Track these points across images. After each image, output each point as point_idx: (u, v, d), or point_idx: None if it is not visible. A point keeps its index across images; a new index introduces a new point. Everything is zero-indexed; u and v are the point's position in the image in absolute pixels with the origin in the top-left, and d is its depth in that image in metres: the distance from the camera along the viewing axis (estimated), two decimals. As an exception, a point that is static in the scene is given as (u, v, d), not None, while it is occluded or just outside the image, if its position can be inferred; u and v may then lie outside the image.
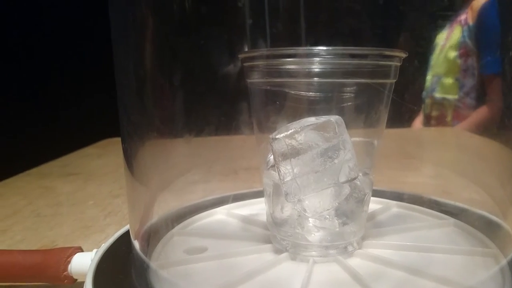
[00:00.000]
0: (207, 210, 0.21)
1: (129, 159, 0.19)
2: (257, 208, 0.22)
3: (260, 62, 0.15)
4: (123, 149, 0.19)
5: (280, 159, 0.15)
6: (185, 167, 0.25)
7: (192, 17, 0.21)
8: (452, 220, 0.19)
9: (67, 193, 0.36)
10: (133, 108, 0.20)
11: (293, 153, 0.14)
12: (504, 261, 0.15)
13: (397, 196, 0.22)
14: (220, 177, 0.27)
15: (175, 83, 0.21)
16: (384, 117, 0.16)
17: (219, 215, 0.21)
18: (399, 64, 0.16)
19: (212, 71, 0.24)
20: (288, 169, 0.15)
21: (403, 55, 0.15)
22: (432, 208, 0.20)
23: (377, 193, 0.22)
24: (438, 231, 0.18)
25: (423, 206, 0.21)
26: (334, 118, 0.14)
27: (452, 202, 0.20)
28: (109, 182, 0.39)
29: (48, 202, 0.33)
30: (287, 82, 0.15)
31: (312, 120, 0.14)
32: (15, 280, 0.18)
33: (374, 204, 0.22)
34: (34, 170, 0.47)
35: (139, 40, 0.19)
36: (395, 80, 0.16)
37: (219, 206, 0.22)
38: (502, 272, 0.14)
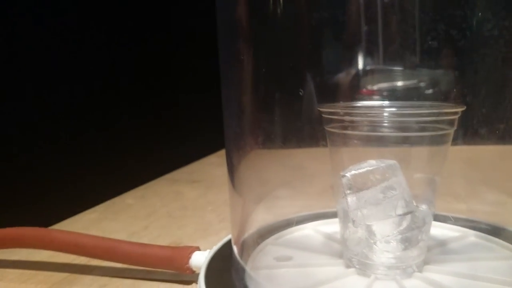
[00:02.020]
0: (298, 225, 0.26)
1: (231, 171, 0.24)
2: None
3: (336, 117, 0.19)
4: (227, 161, 0.24)
5: (348, 192, 0.18)
6: (285, 180, 0.29)
7: (301, 32, 0.24)
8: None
9: (192, 198, 0.44)
10: (234, 120, 0.24)
11: (358, 188, 0.18)
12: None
13: (477, 226, 0.23)
14: (317, 190, 0.31)
15: (278, 95, 0.25)
16: (446, 156, 0.19)
17: (307, 230, 0.25)
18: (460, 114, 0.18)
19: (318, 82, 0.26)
20: (354, 201, 0.18)
21: (463, 108, 0.18)
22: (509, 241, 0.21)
23: (460, 221, 0.24)
24: (507, 263, 0.20)
25: (500, 238, 0.22)
26: (392, 162, 0.17)
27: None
28: (225, 191, 0.46)
29: (178, 205, 0.41)
30: (358, 134, 0.18)
31: (374, 163, 0.18)
32: (152, 266, 0.24)
33: (453, 232, 0.23)
34: (168, 176, 0.56)
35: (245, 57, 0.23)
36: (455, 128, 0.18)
37: (309, 222, 0.26)
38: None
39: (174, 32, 0.72)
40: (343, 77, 0.24)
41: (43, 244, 0.26)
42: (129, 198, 0.45)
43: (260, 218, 0.25)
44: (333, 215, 0.27)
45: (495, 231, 0.23)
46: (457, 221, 0.24)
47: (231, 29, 0.22)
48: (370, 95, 0.24)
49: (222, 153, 0.75)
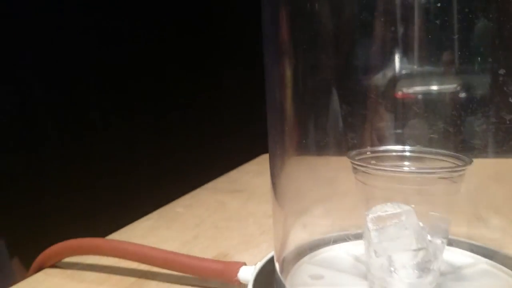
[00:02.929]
0: (332, 245, 0.30)
1: (274, 183, 0.28)
2: (367, 249, 0.29)
3: (362, 168, 0.22)
4: (271, 175, 0.28)
5: (371, 228, 0.22)
6: (326, 193, 0.32)
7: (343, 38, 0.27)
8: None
9: (234, 209, 0.48)
10: (276, 129, 0.28)
11: (379, 225, 0.22)
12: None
13: (488, 254, 0.26)
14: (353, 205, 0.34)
15: (321, 103, 0.28)
16: (456, 199, 0.22)
17: (338, 251, 0.29)
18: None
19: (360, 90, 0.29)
20: (376, 235, 0.22)
21: (471, 164, 0.21)
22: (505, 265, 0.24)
23: (472, 248, 0.27)
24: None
25: (500, 263, 0.25)
26: (408, 208, 0.21)
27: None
28: (265, 202, 0.50)
29: (222, 216, 0.46)
30: (382, 184, 0.22)
31: (394, 207, 0.21)
32: (205, 276, 0.29)
33: (466, 258, 0.27)
34: (210, 185, 0.61)
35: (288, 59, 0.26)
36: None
37: (342, 242, 0.30)
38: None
39: (216, 45, 0.76)
40: (379, 79, 0.27)
41: (117, 253, 0.31)
42: (178, 207, 0.50)
43: (298, 236, 0.29)
44: (360, 236, 0.30)
45: (504, 259, 0.26)
46: (471, 248, 0.27)
47: (275, 42, 0.26)
48: (404, 99, 0.27)
49: (258, 160, 0.80)
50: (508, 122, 0.24)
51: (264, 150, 0.79)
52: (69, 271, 0.33)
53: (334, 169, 0.31)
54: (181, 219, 0.46)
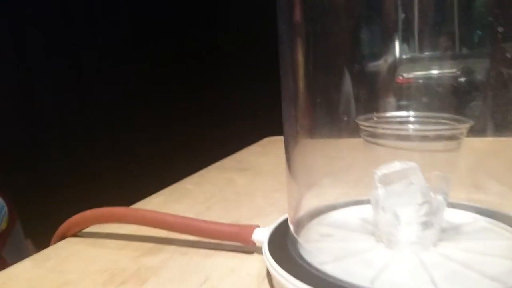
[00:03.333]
0: (340, 209, 0.31)
1: (288, 158, 0.30)
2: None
3: (370, 129, 0.24)
4: (285, 148, 0.30)
5: (379, 185, 0.24)
6: (335, 168, 0.34)
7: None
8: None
9: (243, 185, 0.50)
10: (290, 110, 0.29)
11: (386, 183, 0.23)
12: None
13: (487, 213, 0.28)
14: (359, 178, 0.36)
15: (333, 85, 0.30)
16: (457, 159, 0.24)
17: (345, 214, 0.31)
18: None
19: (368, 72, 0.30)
20: (383, 192, 0.24)
21: (471, 124, 0.23)
22: (506, 222, 0.26)
23: (472, 208, 0.29)
24: (505, 242, 0.25)
25: (505, 222, 0.27)
26: (413, 164, 0.23)
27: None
28: (271, 179, 0.52)
29: (232, 191, 0.47)
30: (388, 142, 0.24)
31: (400, 164, 0.23)
32: (222, 239, 0.31)
33: (466, 218, 0.28)
34: (217, 165, 0.63)
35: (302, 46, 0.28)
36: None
37: (349, 206, 0.32)
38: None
39: (227, 25, 0.77)
40: (381, 65, 0.28)
41: (135, 220, 0.33)
42: (188, 184, 0.52)
43: (309, 202, 0.31)
44: (366, 202, 0.32)
45: (502, 217, 0.28)
46: (470, 209, 0.29)
47: (289, 27, 0.28)
48: (406, 83, 0.29)
49: (262, 142, 0.81)
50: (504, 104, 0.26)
51: (267, 134, 0.81)
52: (90, 239, 0.35)
53: (345, 148, 0.33)
54: (192, 194, 0.47)
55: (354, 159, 0.35)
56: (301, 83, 0.29)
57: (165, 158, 0.58)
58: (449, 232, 0.26)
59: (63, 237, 0.36)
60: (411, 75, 0.29)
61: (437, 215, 0.24)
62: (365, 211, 0.31)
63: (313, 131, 0.32)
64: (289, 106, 0.30)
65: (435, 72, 0.29)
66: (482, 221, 0.28)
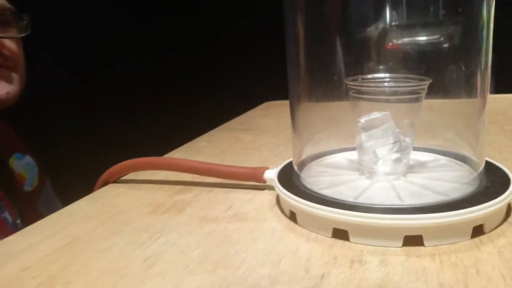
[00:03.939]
0: (333, 154, 0.39)
1: (293, 116, 0.37)
2: (359, 155, 0.38)
3: (354, 87, 0.32)
4: (290, 107, 0.37)
5: (361, 131, 0.31)
6: (330, 123, 0.41)
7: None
8: (467, 167, 0.33)
9: (249, 141, 0.58)
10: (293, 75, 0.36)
11: (367, 129, 0.31)
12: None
13: (447, 153, 0.36)
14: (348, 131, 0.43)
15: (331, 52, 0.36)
16: (420, 109, 0.31)
17: (339, 158, 0.39)
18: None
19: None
20: (365, 136, 0.31)
21: (430, 81, 0.30)
22: (458, 159, 0.34)
23: (433, 150, 0.37)
24: (455, 173, 0.33)
25: (457, 159, 0.35)
26: (386, 113, 0.30)
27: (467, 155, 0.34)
28: (273, 136, 0.60)
29: (241, 146, 0.55)
30: (368, 97, 0.31)
31: (377, 114, 0.31)
32: (238, 179, 0.39)
33: (429, 157, 0.36)
34: (224, 126, 0.70)
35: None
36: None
37: (340, 152, 0.39)
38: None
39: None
40: (371, 33, 0.35)
41: (168, 167, 0.41)
42: (201, 142, 0.59)
43: (309, 150, 0.39)
44: (353, 149, 0.40)
45: (455, 155, 0.35)
46: (434, 151, 0.37)
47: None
48: (395, 49, 0.36)
49: (262, 106, 0.88)
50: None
51: (267, 99, 0.89)
52: (129, 184, 0.43)
53: (338, 109, 0.40)
54: (206, 150, 0.55)
55: (345, 117, 0.42)
56: (302, 53, 0.36)
57: (183, 120, 0.65)
58: (415, 167, 0.34)
59: (105, 183, 0.44)
60: (399, 42, 0.36)
61: (406, 152, 0.32)
62: (352, 155, 0.39)
63: (312, 93, 0.39)
64: (293, 71, 0.37)
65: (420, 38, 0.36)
66: (442, 159, 0.36)
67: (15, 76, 0.54)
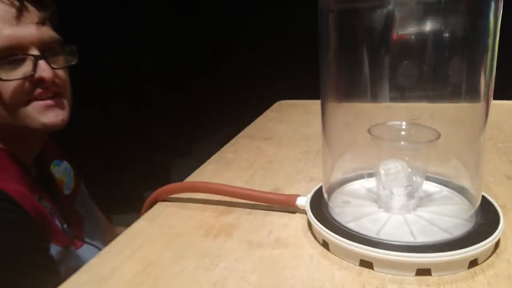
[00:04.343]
0: (353, 181, 0.46)
1: (324, 156, 0.44)
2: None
3: (377, 135, 0.38)
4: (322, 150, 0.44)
5: (382, 173, 0.39)
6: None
7: None
8: (466, 201, 0.40)
9: (271, 153, 0.65)
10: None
11: (386, 173, 0.38)
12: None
13: (449, 184, 0.43)
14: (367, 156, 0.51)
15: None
16: (431, 153, 0.39)
17: (358, 186, 0.46)
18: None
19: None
20: (384, 177, 0.39)
21: (439, 137, 0.37)
22: (458, 191, 0.41)
23: (437, 181, 0.44)
24: (456, 207, 0.40)
25: (458, 191, 0.42)
26: (402, 163, 0.37)
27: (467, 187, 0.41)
28: (292, 147, 0.67)
29: (265, 160, 0.62)
30: (388, 142, 0.38)
31: (395, 163, 0.38)
32: (274, 204, 0.46)
33: (435, 188, 0.44)
34: (244, 133, 0.77)
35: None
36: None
37: (360, 179, 0.47)
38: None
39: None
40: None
41: (212, 191, 0.48)
42: (228, 153, 0.66)
43: (334, 176, 0.46)
44: (369, 175, 0.47)
45: (456, 187, 0.43)
46: (437, 181, 0.44)
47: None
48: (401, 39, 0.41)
49: (275, 107, 0.95)
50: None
51: (279, 98, 0.98)
52: (177, 203, 0.50)
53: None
54: (234, 163, 0.62)
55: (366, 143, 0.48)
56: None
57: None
58: (424, 199, 0.42)
59: (155, 201, 0.51)
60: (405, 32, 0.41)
61: (416, 191, 0.39)
62: (370, 183, 0.46)
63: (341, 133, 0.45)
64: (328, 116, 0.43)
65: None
66: (445, 191, 0.43)
67: (66, 102, 0.59)
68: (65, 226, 0.65)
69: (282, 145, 0.69)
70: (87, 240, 0.70)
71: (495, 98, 0.39)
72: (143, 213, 0.51)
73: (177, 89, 2.64)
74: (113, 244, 0.42)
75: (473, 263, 0.34)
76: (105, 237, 0.78)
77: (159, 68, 2.35)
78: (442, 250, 0.33)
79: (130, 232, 0.45)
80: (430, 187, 0.44)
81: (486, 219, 0.37)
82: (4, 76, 0.52)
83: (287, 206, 0.45)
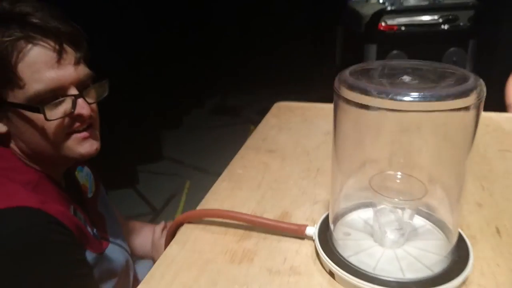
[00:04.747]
0: (354, 211, 0.55)
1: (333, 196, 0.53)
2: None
3: (374, 187, 0.47)
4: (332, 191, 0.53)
5: (378, 219, 0.48)
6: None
7: None
8: (444, 237, 0.50)
9: (276, 170, 0.73)
10: None
11: (382, 217, 0.47)
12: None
13: (431, 217, 0.53)
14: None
15: None
16: (419, 204, 0.48)
17: (356, 216, 0.55)
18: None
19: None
20: (380, 221, 0.48)
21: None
22: (439, 226, 0.51)
23: (422, 214, 0.53)
24: (438, 242, 0.50)
25: (439, 226, 0.51)
26: (397, 213, 0.46)
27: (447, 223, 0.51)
28: (294, 164, 0.75)
29: (271, 178, 0.70)
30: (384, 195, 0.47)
31: (389, 212, 0.47)
32: (286, 232, 0.55)
33: (420, 222, 0.53)
34: (249, 144, 0.84)
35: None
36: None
37: (359, 209, 0.56)
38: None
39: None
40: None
41: (232, 218, 0.56)
42: (238, 169, 0.74)
43: (337, 206, 0.54)
44: (365, 205, 0.56)
45: (437, 222, 0.52)
46: (422, 214, 0.53)
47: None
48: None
49: (274, 111, 1.02)
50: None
51: (277, 99, 1.06)
52: (200, 226, 0.59)
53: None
54: (244, 180, 0.70)
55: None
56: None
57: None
58: (411, 233, 0.51)
59: (180, 224, 0.59)
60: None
61: (406, 230, 0.48)
62: (367, 214, 0.55)
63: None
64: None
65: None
66: (428, 225, 0.53)
67: (97, 133, 0.66)
68: (95, 230, 0.73)
69: (285, 159, 0.77)
70: (111, 239, 0.78)
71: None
72: (169, 234, 0.59)
73: (165, 60, 2.65)
74: (153, 271, 0.51)
75: (447, 295, 0.44)
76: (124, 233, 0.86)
77: (148, 41, 2.35)
78: (424, 286, 0.43)
79: (166, 258, 0.53)
80: (416, 220, 0.53)
81: (459, 256, 0.47)
82: (49, 116, 0.58)
83: (298, 234, 0.54)
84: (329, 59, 2.76)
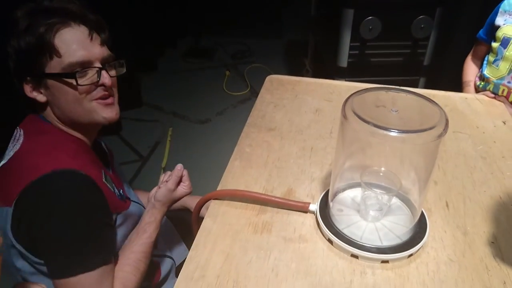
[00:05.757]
0: (346, 190, 0.73)
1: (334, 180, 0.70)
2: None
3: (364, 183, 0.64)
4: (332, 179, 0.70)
5: (364, 200, 0.66)
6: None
7: None
8: (410, 214, 0.69)
9: (277, 149, 0.88)
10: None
11: (367, 201, 0.65)
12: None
13: (401, 196, 0.72)
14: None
15: None
16: (394, 196, 0.66)
17: (346, 195, 0.73)
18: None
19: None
20: (366, 202, 0.66)
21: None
22: (408, 204, 0.70)
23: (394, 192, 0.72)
24: (405, 217, 0.69)
25: (407, 204, 0.70)
26: (378, 191, 0.64)
27: (414, 203, 0.70)
28: (293, 143, 0.90)
29: (275, 156, 0.86)
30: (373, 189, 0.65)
31: (375, 199, 0.65)
32: (292, 208, 0.72)
33: (393, 200, 0.72)
34: (250, 121, 0.98)
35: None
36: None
37: (350, 189, 0.73)
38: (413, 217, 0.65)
39: None
40: None
41: (249, 197, 0.73)
42: (245, 147, 0.89)
43: (337, 185, 0.72)
44: (352, 186, 0.74)
45: (405, 199, 0.71)
46: (397, 196, 0.72)
47: None
48: None
49: (267, 85, 1.15)
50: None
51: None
52: (225, 202, 0.75)
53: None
54: (253, 158, 0.86)
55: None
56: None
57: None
58: (387, 211, 0.70)
59: (207, 200, 0.75)
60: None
61: (384, 207, 0.67)
62: (354, 192, 0.73)
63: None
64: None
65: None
66: (400, 204, 0.71)
67: (116, 102, 0.80)
68: (121, 191, 0.86)
69: (283, 138, 0.92)
70: (131, 198, 0.91)
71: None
72: (197, 209, 0.75)
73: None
74: (197, 241, 0.67)
75: (411, 255, 0.64)
76: None
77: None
78: (396, 251, 0.62)
79: (204, 229, 0.70)
80: (392, 200, 0.72)
81: (420, 227, 0.66)
82: (80, 82, 0.73)
83: (302, 210, 0.72)
84: (305, 4, 2.80)
